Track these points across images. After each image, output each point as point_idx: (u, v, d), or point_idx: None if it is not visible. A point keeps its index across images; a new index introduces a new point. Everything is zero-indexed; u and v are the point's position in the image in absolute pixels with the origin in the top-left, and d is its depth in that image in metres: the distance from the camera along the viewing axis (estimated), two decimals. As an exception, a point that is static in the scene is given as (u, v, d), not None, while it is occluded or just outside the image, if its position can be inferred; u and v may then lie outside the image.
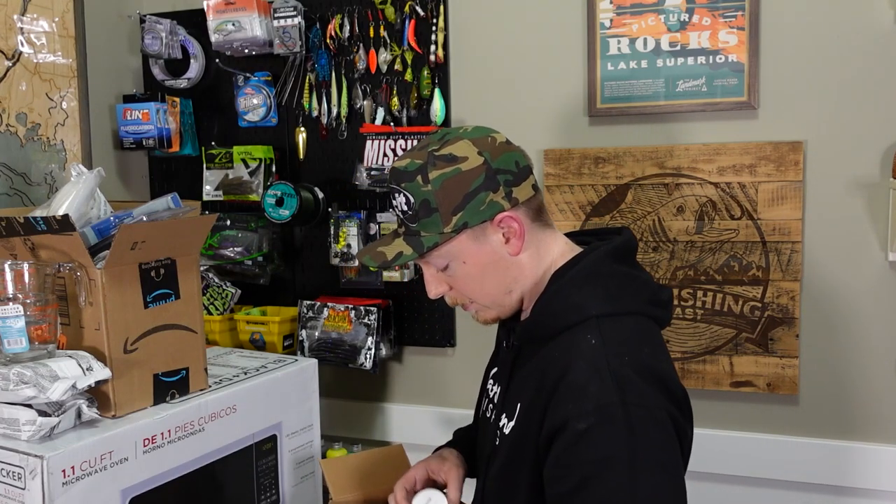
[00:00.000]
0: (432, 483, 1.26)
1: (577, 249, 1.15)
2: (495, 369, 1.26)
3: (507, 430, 1.12)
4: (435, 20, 1.95)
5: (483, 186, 1.07)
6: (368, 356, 1.99)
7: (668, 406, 1.01)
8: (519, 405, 1.10)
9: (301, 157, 2.11)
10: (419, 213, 1.08)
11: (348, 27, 2.02)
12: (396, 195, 1.10)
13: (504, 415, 1.14)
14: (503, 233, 1.10)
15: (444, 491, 1.22)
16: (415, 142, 1.94)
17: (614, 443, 0.97)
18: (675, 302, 1.82)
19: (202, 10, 2.09)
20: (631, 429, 0.97)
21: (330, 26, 2.03)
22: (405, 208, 1.09)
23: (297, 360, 1.67)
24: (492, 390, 1.23)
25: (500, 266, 1.12)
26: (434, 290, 1.17)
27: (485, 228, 1.09)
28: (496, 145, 1.10)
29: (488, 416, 1.22)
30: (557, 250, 1.14)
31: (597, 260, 1.11)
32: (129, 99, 2.16)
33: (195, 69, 2.19)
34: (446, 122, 1.97)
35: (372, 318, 1.98)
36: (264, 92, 2.10)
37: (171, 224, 1.37)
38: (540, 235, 1.14)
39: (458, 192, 1.07)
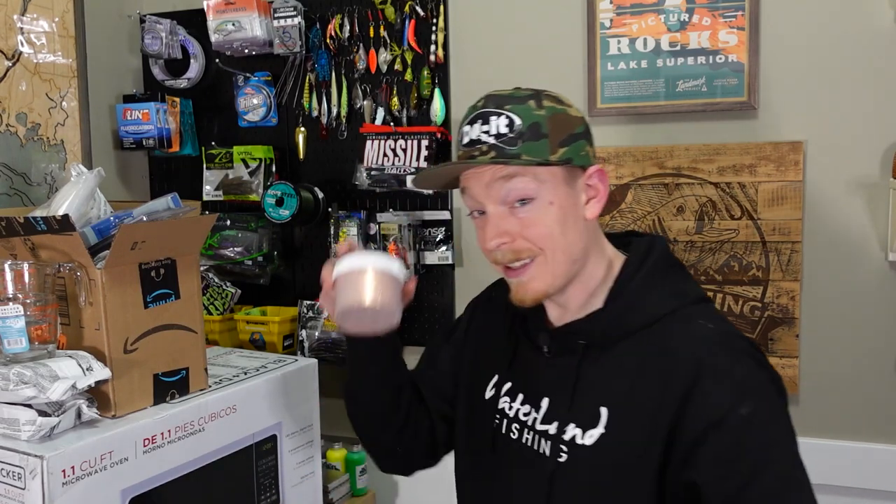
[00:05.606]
0: None
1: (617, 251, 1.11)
2: (508, 384, 1.14)
3: (586, 441, 1.00)
4: (435, 20, 1.95)
5: (583, 135, 1.04)
6: (368, 356, 1.99)
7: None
8: (605, 410, 1.00)
9: (301, 157, 2.11)
10: (524, 135, 0.99)
11: (348, 27, 2.02)
12: (493, 118, 1.00)
13: (572, 424, 1.02)
14: (587, 193, 1.04)
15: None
16: (415, 142, 1.94)
17: (775, 421, 0.94)
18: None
19: (202, 10, 2.09)
20: (783, 403, 0.96)
21: (330, 26, 2.03)
22: (505, 130, 0.99)
23: (297, 360, 1.67)
24: (509, 406, 1.12)
25: (578, 225, 1.03)
26: (497, 235, 1.01)
27: (577, 178, 1.03)
28: None
29: (511, 434, 1.10)
30: (610, 248, 1.10)
31: (666, 252, 1.08)
32: (129, 99, 2.16)
33: (195, 69, 2.19)
34: (446, 122, 1.97)
35: (372, 318, 1.98)
36: (264, 92, 2.10)
37: (171, 224, 1.37)
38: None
39: (566, 128, 1.01)
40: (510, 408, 1.11)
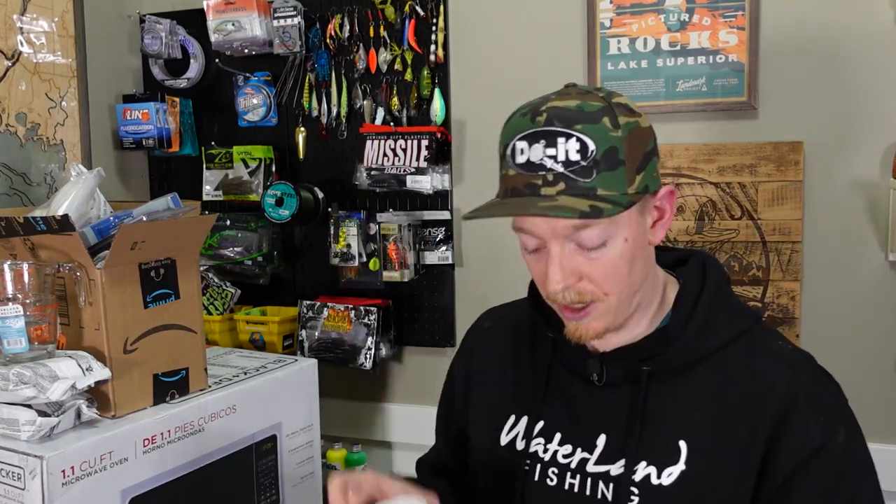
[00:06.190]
0: None
1: None
2: (540, 423, 1.00)
3: (664, 480, 0.90)
4: (435, 20, 1.95)
5: (654, 150, 0.90)
6: (368, 356, 1.99)
7: None
8: (684, 443, 0.90)
9: (301, 157, 2.11)
10: (600, 165, 0.83)
11: (348, 27, 2.02)
12: (561, 140, 0.83)
13: (643, 462, 0.92)
14: (652, 216, 0.91)
15: None
16: (415, 142, 1.93)
17: (863, 445, 0.91)
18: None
19: (202, 10, 2.09)
20: (859, 425, 0.93)
21: (330, 26, 2.03)
22: (576, 157, 0.83)
23: (297, 360, 1.67)
24: (543, 448, 0.99)
25: (644, 254, 0.91)
26: (562, 278, 0.87)
27: (647, 202, 0.90)
28: None
29: (546, 480, 0.98)
30: (661, 270, 0.99)
31: (722, 270, 1.00)
32: (128, 99, 2.16)
33: (195, 69, 2.19)
34: (446, 122, 1.97)
35: (372, 318, 1.98)
36: (264, 92, 2.10)
37: (171, 224, 1.37)
38: None
39: (641, 147, 0.87)
40: (545, 450, 0.99)
